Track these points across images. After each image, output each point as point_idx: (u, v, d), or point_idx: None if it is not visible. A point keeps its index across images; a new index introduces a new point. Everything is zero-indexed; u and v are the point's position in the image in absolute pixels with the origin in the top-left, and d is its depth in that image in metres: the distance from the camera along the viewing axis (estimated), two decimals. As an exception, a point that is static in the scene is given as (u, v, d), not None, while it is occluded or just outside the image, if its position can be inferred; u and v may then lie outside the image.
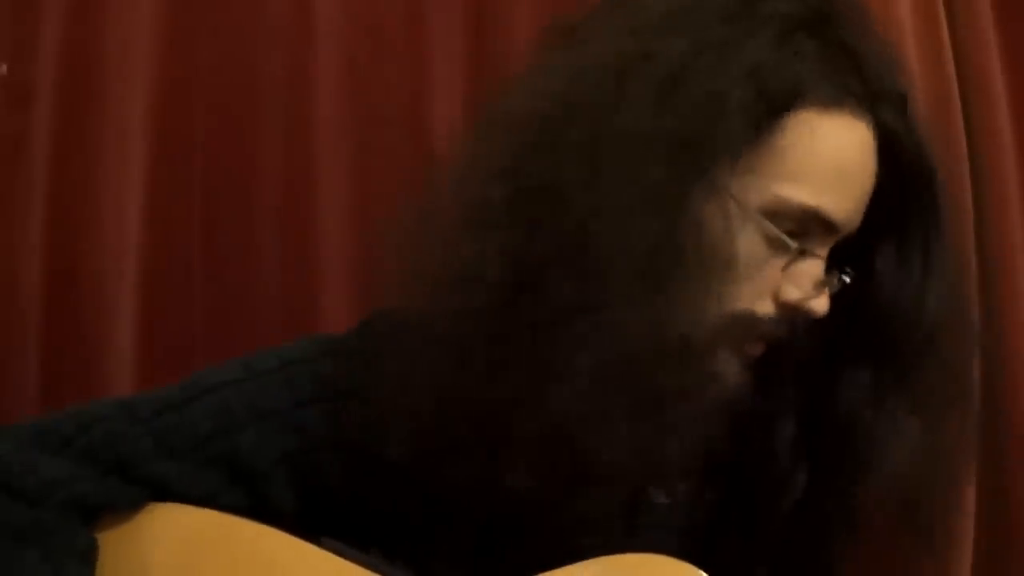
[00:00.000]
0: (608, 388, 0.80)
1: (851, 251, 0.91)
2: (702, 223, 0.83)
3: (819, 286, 0.88)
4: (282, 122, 1.29)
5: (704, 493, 0.92)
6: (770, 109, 0.85)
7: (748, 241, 0.86)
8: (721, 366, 0.87)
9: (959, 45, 1.32)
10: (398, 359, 0.85)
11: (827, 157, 0.86)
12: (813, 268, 0.88)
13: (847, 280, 0.91)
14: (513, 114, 0.89)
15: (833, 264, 0.90)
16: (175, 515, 0.87)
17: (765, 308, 0.87)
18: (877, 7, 1.27)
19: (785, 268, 0.87)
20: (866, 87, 0.88)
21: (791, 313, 0.88)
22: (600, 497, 0.82)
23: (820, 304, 0.88)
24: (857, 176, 0.89)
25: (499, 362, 0.82)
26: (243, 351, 0.96)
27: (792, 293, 0.87)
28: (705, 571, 0.80)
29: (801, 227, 0.87)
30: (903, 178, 0.91)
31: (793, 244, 0.86)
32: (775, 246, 0.87)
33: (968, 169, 1.31)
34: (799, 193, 0.86)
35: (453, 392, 0.83)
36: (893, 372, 0.91)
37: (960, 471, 0.98)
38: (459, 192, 0.88)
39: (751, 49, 0.85)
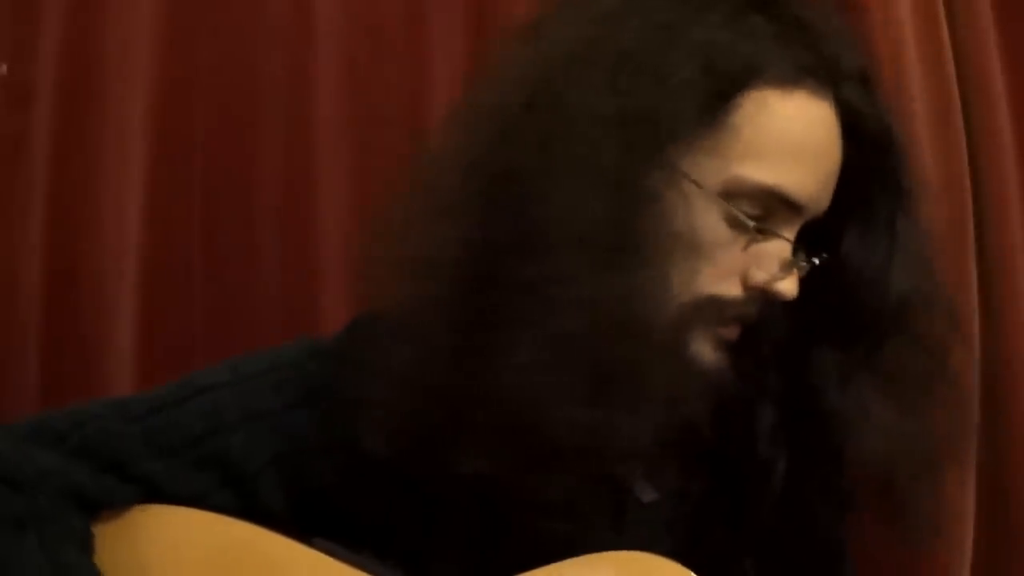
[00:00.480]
0: (564, 367, 0.80)
1: (822, 232, 0.90)
2: (657, 204, 0.83)
3: (786, 268, 0.87)
4: (282, 122, 1.29)
5: (689, 484, 0.91)
6: (723, 88, 0.85)
7: (709, 222, 0.85)
8: (693, 348, 0.87)
9: (959, 45, 1.32)
10: (376, 356, 0.86)
11: (785, 135, 0.86)
12: (779, 250, 0.87)
13: (816, 262, 0.90)
14: (476, 107, 0.90)
15: (804, 246, 0.89)
16: (168, 517, 0.87)
17: (732, 290, 0.87)
18: (877, 7, 1.28)
19: (746, 248, 0.86)
20: (825, 64, 0.88)
21: (760, 296, 0.87)
22: (569, 482, 0.81)
23: (787, 286, 0.87)
24: (819, 154, 0.88)
25: (461, 349, 0.82)
26: (243, 351, 0.97)
27: (758, 275, 0.87)
28: (693, 565, 0.80)
29: (764, 208, 0.86)
30: (868, 155, 0.90)
31: (750, 224, 0.86)
32: (737, 227, 0.86)
33: (968, 169, 1.31)
34: (757, 172, 0.85)
35: (422, 382, 0.83)
36: (866, 353, 0.91)
37: (942, 453, 0.97)
38: (428, 186, 0.89)
39: (701, 29, 0.85)
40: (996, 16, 1.34)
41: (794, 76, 0.86)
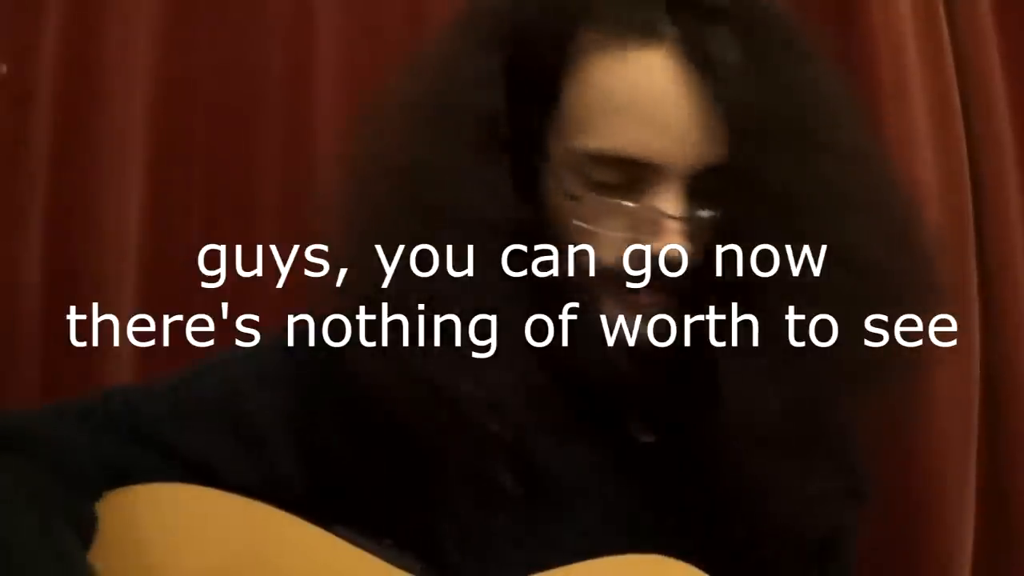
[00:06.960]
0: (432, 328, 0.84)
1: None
2: (538, 193, 0.87)
3: (658, 230, 0.84)
4: (282, 122, 1.29)
5: (684, 425, 0.89)
6: (542, 77, 0.86)
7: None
8: (602, 312, 0.86)
9: (959, 45, 1.33)
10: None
11: (605, 98, 0.85)
12: (650, 214, 0.84)
13: (704, 215, 0.86)
14: (356, 158, 0.95)
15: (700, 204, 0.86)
16: (182, 495, 0.88)
17: (616, 258, 0.86)
18: (877, 7, 1.28)
19: (626, 219, 0.85)
20: (643, 15, 0.85)
21: (648, 262, 0.85)
22: (460, 430, 0.84)
23: (662, 249, 0.84)
24: (646, 105, 0.84)
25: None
26: (243, 352, 0.97)
27: (640, 244, 0.85)
28: (686, 508, 0.84)
29: (623, 175, 0.85)
30: (738, 87, 0.85)
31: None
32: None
33: (968, 169, 1.31)
34: (585, 141, 0.85)
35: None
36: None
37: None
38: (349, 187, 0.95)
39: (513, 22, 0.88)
40: (996, 16, 1.35)
41: (617, 35, 0.85)
